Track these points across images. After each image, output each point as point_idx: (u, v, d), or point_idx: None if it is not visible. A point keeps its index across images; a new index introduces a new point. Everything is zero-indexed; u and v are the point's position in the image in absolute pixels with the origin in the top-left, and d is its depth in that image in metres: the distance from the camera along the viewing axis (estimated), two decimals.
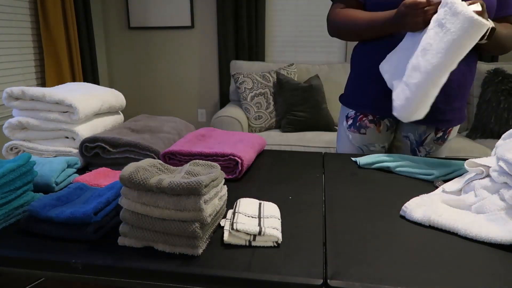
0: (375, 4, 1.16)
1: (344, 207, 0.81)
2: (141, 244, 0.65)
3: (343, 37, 1.26)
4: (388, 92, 1.13)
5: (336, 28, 1.24)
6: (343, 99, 1.35)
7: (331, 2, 3.33)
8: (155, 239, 0.64)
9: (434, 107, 1.16)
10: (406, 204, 0.77)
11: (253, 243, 0.66)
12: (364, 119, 1.27)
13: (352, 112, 1.30)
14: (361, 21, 1.16)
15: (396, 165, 1.03)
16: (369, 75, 1.22)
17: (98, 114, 1.17)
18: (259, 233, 0.65)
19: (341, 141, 1.37)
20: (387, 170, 1.04)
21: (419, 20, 0.97)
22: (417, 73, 0.95)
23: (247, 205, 0.74)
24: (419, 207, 0.76)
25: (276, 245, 0.66)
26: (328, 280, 0.57)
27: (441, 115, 1.20)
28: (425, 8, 0.96)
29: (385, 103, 1.19)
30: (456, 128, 1.28)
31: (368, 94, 1.25)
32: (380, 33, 1.14)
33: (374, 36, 1.18)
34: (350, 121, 1.29)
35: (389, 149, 1.35)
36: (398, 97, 1.02)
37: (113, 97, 1.23)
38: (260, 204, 0.76)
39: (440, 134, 1.25)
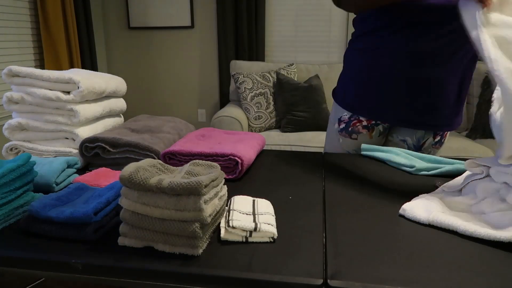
0: None
1: (344, 207, 0.81)
2: (141, 244, 0.65)
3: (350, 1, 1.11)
4: (388, 99, 1.11)
5: None
6: (339, 98, 1.27)
7: (331, 2, 3.34)
8: (155, 239, 0.64)
9: (436, 111, 1.16)
10: (406, 204, 0.78)
11: (250, 239, 0.67)
12: (357, 124, 1.22)
13: (346, 116, 1.24)
14: None
15: (387, 156, 1.11)
16: (370, 80, 1.16)
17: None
18: (255, 229, 0.66)
19: (330, 142, 1.32)
20: (388, 169, 1.05)
21: None
22: None
23: (241, 202, 0.75)
24: (419, 207, 0.76)
25: (272, 240, 0.67)
26: (328, 280, 0.57)
27: (443, 119, 1.19)
28: None
29: (384, 110, 1.17)
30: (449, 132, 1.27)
31: (367, 99, 1.19)
32: None
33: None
34: (343, 125, 1.24)
35: None
36: None
37: (114, 102, 1.23)
38: (253, 201, 0.78)
39: (438, 138, 1.23)
